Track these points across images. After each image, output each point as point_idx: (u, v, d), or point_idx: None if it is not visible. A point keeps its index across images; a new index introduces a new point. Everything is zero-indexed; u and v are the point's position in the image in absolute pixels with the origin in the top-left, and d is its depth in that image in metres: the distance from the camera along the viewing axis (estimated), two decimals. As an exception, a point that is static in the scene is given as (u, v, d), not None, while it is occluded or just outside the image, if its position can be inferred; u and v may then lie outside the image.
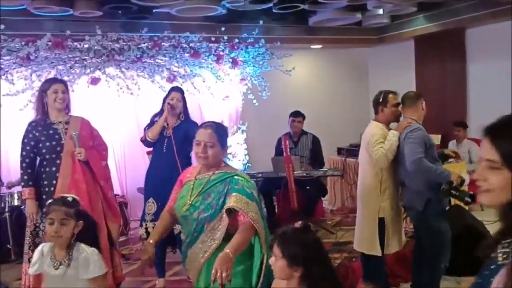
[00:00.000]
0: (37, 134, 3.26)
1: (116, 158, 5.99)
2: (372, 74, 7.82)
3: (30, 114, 5.05)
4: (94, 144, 3.44)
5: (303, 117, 5.39)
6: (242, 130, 6.04)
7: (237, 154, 6.00)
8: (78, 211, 2.25)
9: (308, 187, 4.83)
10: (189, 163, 3.70)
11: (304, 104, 6.90)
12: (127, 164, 5.89)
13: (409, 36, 6.66)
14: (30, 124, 3.32)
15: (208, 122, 2.40)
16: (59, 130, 3.29)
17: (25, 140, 3.26)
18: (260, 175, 5.00)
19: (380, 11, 6.02)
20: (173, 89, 3.93)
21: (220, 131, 2.30)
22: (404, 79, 6.99)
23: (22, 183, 3.26)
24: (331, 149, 6.30)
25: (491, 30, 5.79)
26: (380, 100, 3.31)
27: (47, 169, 3.24)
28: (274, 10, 5.62)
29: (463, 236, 3.47)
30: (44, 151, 3.23)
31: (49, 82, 3.45)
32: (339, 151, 6.30)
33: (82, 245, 2.23)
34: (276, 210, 5.23)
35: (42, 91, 3.34)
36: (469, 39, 6.24)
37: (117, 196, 5.11)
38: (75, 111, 6.11)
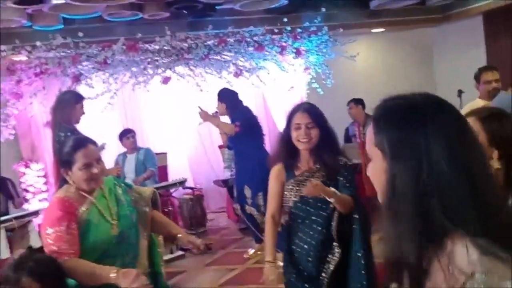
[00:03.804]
0: None
1: (189, 153, 6.22)
2: (438, 55, 7.55)
3: (108, 117, 5.41)
4: None
5: (354, 102, 5.43)
6: (308, 120, 6.04)
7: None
8: None
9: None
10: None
11: (370, 89, 6.78)
12: (200, 158, 6.08)
13: (477, 12, 6.36)
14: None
15: (79, 140, 2.12)
16: None
17: None
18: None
19: (446, -12, 5.80)
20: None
21: (95, 141, 2.16)
22: (473, 58, 6.69)
23: None
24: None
25: None
26: (475, 77, 3.27)
27: None
28: (335, -4, 5.58)
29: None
30: None
31: (81, 97, 3.79)
32: (409, 135, 6.16)
33: None
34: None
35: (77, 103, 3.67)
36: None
37: (194, 189, 5.32)
38: (150, 109, 6.39)
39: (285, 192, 2.23)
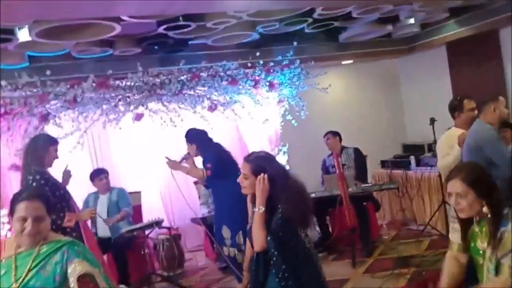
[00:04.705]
0: None
1: (162, 190, 6.02)
2: (404, 84, 7.76)
3: (77, 156, 5.17)
4: None
5: (332, 133, 5.46)
6: (284, 152, 6.02)
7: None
8: None
9: (364, 203, 4.77)
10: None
11: (342, 120, 6.89)
12: (174, 196, 5.87)
13: (441, 42, 6.61)
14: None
15: (29, 192, 2.04)
16: None
17: None
18: (313, 194, 4.93)
19: (412, 21, 5.99)
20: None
21: (47, 200, 2.05)
22: (438, 86, 6.92)
23: None
24: (374, 163, 6.22)
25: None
26: (456, 106, 3.41)
27: None
28: (306, 30, 5.66)
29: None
30: None
31: (55, 140, 3.79)
32: (383, 163, 6.22)
33: None
34: (331, 229, 5.16)
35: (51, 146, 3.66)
36: (504, 40, 6.15)
37: (170, 229, 5.11)
38: (121, 147, 6.16)
39: None
